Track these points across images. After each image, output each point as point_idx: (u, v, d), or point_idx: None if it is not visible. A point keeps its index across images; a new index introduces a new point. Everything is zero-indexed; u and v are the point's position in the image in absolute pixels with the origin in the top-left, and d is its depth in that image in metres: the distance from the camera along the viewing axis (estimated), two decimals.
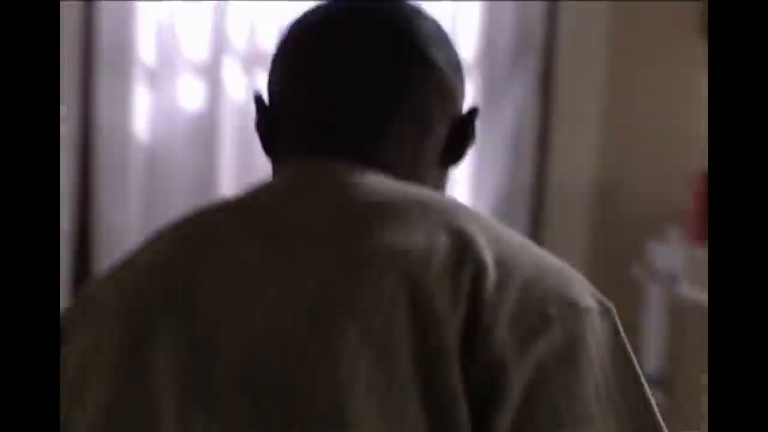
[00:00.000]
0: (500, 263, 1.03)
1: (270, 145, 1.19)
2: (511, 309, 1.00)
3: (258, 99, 1.20)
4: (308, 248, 1.03)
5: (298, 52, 1.15)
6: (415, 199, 1.06)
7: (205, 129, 3.11)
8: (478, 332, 0.98)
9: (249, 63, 3.13)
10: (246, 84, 3.13)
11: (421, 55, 1.14)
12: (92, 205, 3.11)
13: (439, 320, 0.98)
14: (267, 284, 1.02)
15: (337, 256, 1.01)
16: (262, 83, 3.14)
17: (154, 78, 3.12)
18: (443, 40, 1.18)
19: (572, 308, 1.03)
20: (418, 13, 1.16)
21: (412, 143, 1.15)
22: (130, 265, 1.08)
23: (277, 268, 1.02)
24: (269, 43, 3.11)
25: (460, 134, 1.18)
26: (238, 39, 3.11)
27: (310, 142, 1.14)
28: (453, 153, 1.18)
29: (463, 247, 1.02)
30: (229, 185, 3.13)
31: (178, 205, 3.12)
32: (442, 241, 1.02)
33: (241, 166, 3.14)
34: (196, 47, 3.11)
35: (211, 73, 3.10)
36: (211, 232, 1.06)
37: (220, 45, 3.09)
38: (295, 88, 1.15)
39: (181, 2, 3.05)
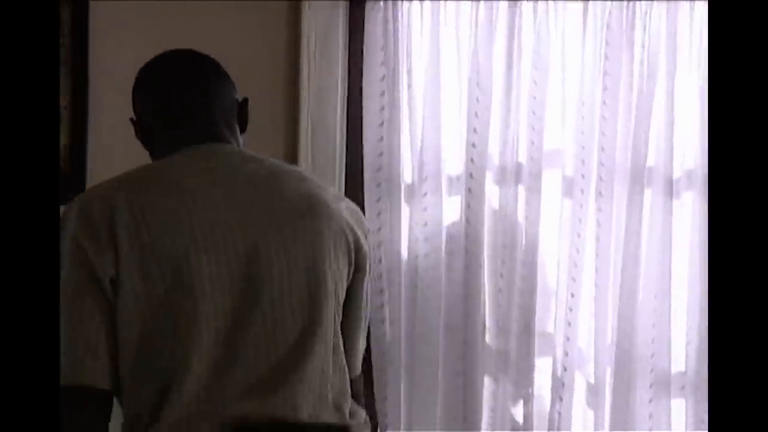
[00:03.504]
0: (348, 205, 2.21)
1: (149, 144, 2.21)
2: (359, 228, 2.21)
3: (133, 120, 2.21)
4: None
5: (154, 84, 2.20)
6: (290, 168, 2.23)
7: (462, 241, 3.15)
8: (357, 241, 2.19)
9: (501, 175, 3.18)
10: (498, 195, 3.18)
11: (222, 77, 2.25)
12: None
13: (345, 230, 2.16)
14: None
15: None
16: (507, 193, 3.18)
17: (412, 194, 3.20)
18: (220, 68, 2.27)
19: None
20: (207, 57, 2.26)
21: (232, 126, 2.23)
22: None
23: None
24: (522, 155, 3.15)
25: (242, 114, 2.27)
26: (492, 152, 3.17)
27: (184, 137, 2.15)
28: (241, 126, 2.27)
29: (337, 197, 2.20)
30: (491, 293, 3.17)
31: (441, 316, 3.17)
32: (329, 192, 2.18)
33: (497, 274, 3.16)
34: (451, 162, 3.19)
35: (468, 186, 3.16)
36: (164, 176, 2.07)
37: (475, 159, 3.15)
38: (157, 108, 2.19)
39: (436, 122, 3.14)
